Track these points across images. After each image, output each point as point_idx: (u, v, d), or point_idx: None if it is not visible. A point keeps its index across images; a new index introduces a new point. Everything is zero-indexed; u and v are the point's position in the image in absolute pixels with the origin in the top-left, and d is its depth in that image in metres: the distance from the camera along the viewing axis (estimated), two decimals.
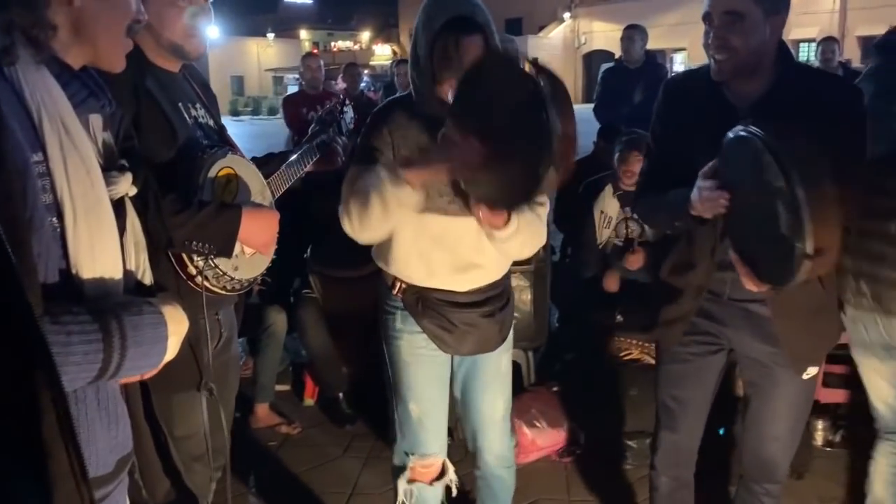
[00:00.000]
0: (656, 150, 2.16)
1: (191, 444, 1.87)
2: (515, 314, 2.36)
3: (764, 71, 1.89)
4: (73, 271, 1.06)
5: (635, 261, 3.74)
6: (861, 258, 2.11)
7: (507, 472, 2.38)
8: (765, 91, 1.89)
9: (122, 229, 1.17)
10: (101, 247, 1.10)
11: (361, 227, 1.93)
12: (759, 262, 1.73)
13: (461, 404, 2.29)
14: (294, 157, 2.16)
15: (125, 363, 1.05)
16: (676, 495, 2.34)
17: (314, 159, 2.23)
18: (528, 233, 1.93)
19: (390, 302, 2.14)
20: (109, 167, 1.17)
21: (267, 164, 2.10)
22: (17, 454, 0.83)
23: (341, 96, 3.16)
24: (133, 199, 1.23)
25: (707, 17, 1.88)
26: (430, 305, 2.05)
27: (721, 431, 2.77)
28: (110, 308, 1.06)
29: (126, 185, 1.20)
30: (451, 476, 2.26)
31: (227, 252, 1.75)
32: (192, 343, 1.76)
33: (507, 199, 1.72)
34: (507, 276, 2.18)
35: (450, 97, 1.82)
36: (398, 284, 2.09)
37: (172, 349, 1.16)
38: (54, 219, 1.03)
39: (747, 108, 1.88)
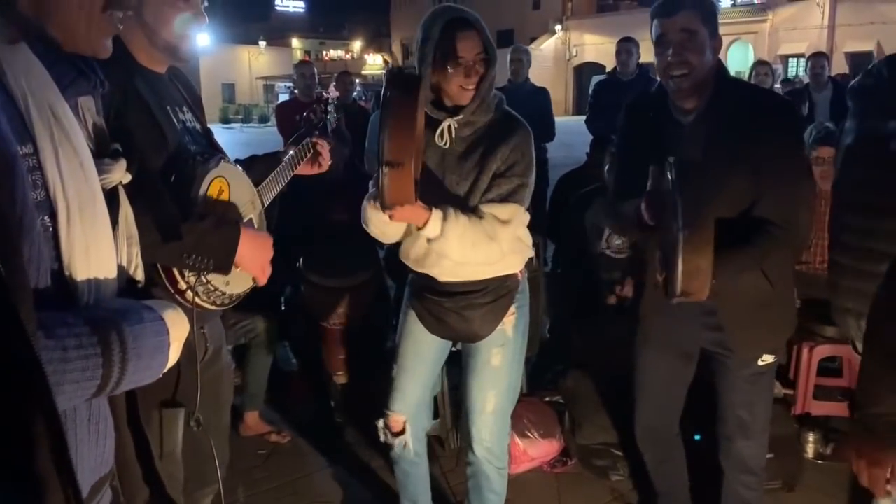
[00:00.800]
0: (619, 164, 2.35)
1: (170, 462, 1.81)
2: None
3: (705, 89, 2.07)
4: (67, 273, 0.96)
5: (627, 289, 3.77)
6: (861, 300, 2.10)
7: (496, 472, 2.41)
8: (703, 107, 2.07)
9: (114, 222, 1.09)
10: (97, 246, 1.01)
11: (375, 237, 2.28)
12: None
13: (460, 397, 2.47)
14: (282, 163, 2.12)
15: (125, 377, 0.96)
16: (662, 469, 2.56)
17: (301, 162, 2.19)
18: (462, 240, 2.08)
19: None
20: (102, 153, 1.09)
21: (251, 166, 2.05)
22: (9, 492, 0.76)
23: (325, 96, 3.15)
24: (126, 186, 1.14)
25: (661, 40, 2.04)
26: (416, 289, 2.34)
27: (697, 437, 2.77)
28: (109, 317, 0.97)
29: (120, 173, 1.11)
30: (406, 439, 2.44)
31: (226, 268, 1.69)
32: (179, 362, 1.71)
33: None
34: (505, 279, 2.26)
35: (457, 98, 2.11)
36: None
37: (174, 355, 1.08)
38: (46, 217, 0.94)
39: (690, 122, 2.10)
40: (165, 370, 1.08)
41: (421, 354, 2.39)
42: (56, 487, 0.79)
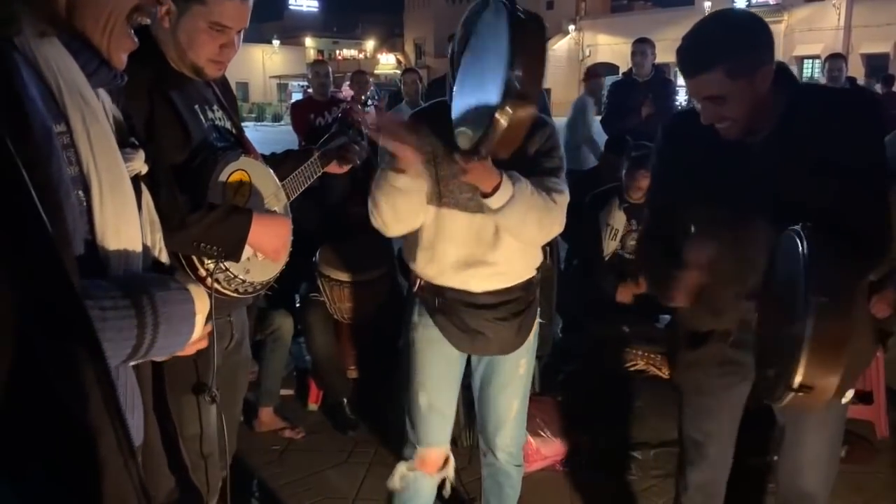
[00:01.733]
0: (660, 194, 2.07)
1: (200, 442, 1.88)
2: None
3: (768, 109, 1.77)
4: (100, 245, 1.02)
5: (626, 294, 3.74)
6: None
7: (515, 469, 2.40)
8: (776, 124, 1.78)
9: (138, 207, 1.14)
10: (126, 222, 1.06)
11: (382, 221, 2.04)
12: (766, 366, 1.69)
13: (478, 402, 2.34)
14: (311, 159, 2.17)
15: (157, 341, 1.01)
16: None
17: (331, 162, 2.24)
18: (531, 209, 1.95)
19: (413, 294, 2.23)
20: (122, 143, 1.13)
21: (284, 161, 2.12)
22: (64, 436, 0.78)
23: (365, 97, 3.17)
24: (144, 178, 1.19)
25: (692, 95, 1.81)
26: (445, 304, 2.13)
27: None
28: (140, 283, 1.02)
29: (140, 163, 1.16)
30: (451, 471, 2.29)
31: (235, 255, 1.74)
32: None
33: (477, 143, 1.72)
34: (529, 283, 2.21)
35: None
36: (418, 282, 2.18)
37: (199, 328, 1.12)
38: (80, 192, 1.00)
39: (759, 142, 1.80)
40: (192, 340, 1.12)
41: (453, 376, 2.24)
42: (108, 430, 0.82)
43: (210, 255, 1.72)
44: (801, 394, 1.47)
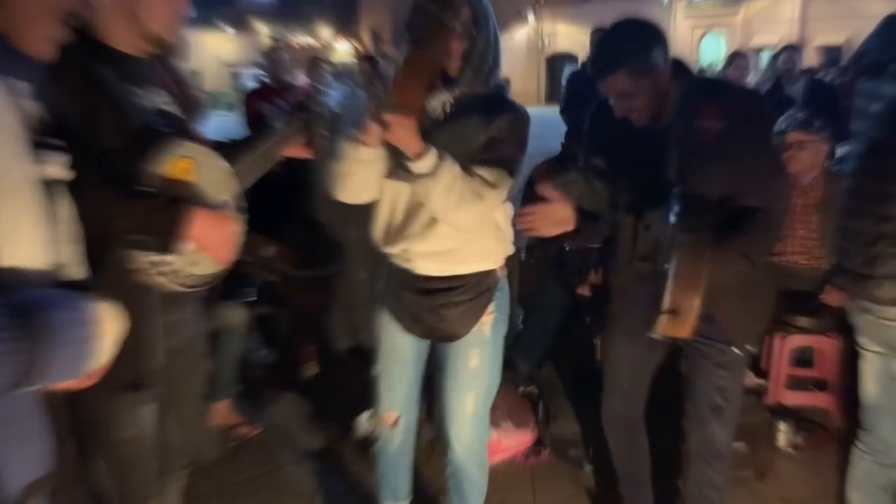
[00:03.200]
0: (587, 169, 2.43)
1: (138, 445, 1.78)
2: None
3: (668, 96, 2.11)
4: None
5: (585, 289, 3.78)
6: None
7: (477, 469, 2.36)
8: (674, 112, 2.09)
9: (53, 217, 1.06)
10: (24, 232, 0.98)
11: (337, 188, 2.11)
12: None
13: (434, 393, 2.39)
14: (270, 141, 2.08)
15: (53, 366, 0.92)
16: (625, 453, 2.57)
17: (290, 143, 2.13)
18: (451, 191, 1.95)
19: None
20: (38, 143, 1.05)
21: (240, 147, 2.02)
22: None
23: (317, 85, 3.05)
24: (70, 184, 1.11)
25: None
26: (392, 288, 2.24)
27: None
28: (34, 302, 0.93)
29: (56, 168, 1.08)
30: (400, 430, 2.40)
31: (167, 249, 1.64)
32: (137, 343, 1.65)
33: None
34: (481, 275, 2.16)
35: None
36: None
37: (107, 351, 1.04)
38: None
39: (663, 127, 2.11)
40: (98, 365, 1.04)
41: (400, 355, 2.31)
42: None
43: (143, 247, 1.63)
44: (671, 315, 1.77)
